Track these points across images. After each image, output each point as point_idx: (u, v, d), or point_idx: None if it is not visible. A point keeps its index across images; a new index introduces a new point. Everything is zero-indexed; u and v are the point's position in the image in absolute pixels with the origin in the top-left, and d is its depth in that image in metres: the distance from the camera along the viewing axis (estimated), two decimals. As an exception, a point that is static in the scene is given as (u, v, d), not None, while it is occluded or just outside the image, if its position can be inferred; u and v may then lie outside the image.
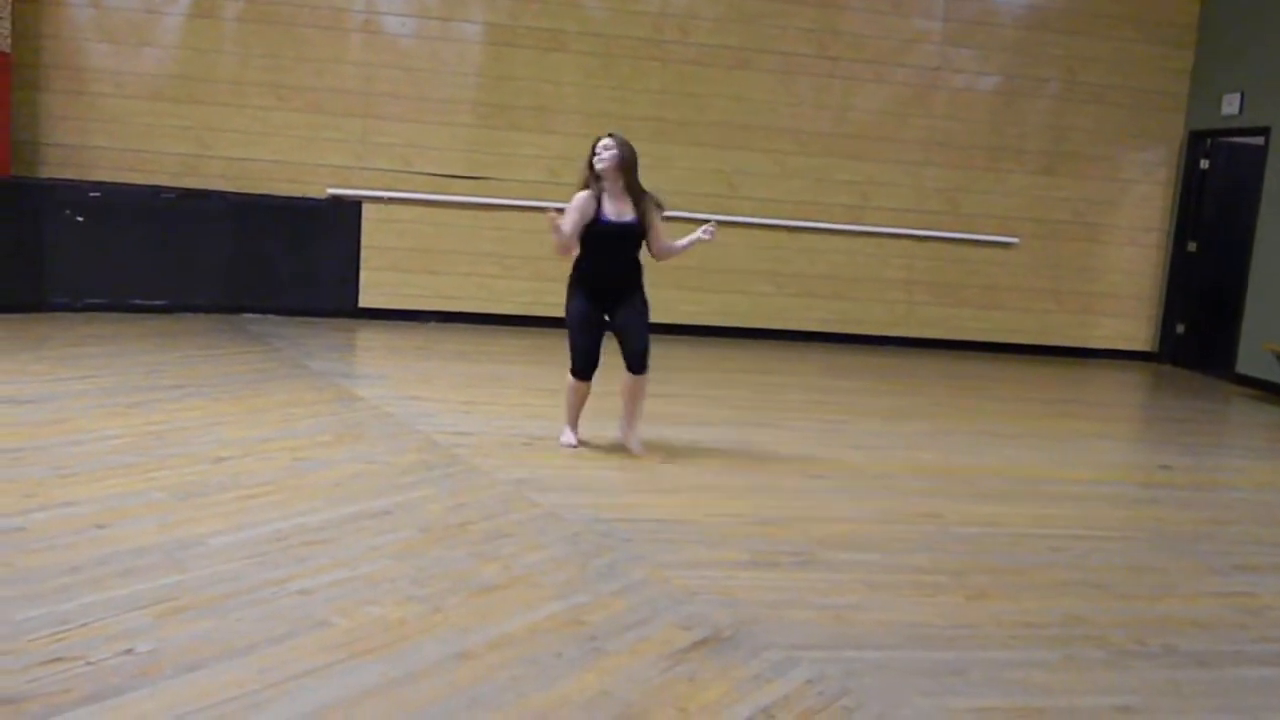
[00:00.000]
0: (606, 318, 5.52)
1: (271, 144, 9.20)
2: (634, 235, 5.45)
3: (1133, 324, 10.69)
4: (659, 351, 8.75)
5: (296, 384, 6.56)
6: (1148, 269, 10.60)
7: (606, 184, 5.36)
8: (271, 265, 9.18)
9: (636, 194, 5.45)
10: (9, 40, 8.42)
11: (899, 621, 3.54)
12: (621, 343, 5.52)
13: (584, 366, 5.49)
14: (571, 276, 5.54)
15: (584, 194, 5.35)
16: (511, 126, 9.46)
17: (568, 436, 5.65)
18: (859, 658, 3.22)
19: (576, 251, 5.45)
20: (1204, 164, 10.36)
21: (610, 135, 5.45)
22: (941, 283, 10.30)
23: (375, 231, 9.38)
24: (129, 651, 2.89)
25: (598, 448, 5.58)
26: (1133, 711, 3.03)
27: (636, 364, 5.49)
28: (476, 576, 3.64)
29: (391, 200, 9.36)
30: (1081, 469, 6.06)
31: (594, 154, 5.36)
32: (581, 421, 5.70)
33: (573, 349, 5.50)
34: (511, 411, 6.28)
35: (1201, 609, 3.91)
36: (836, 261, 10.09)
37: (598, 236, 5.36)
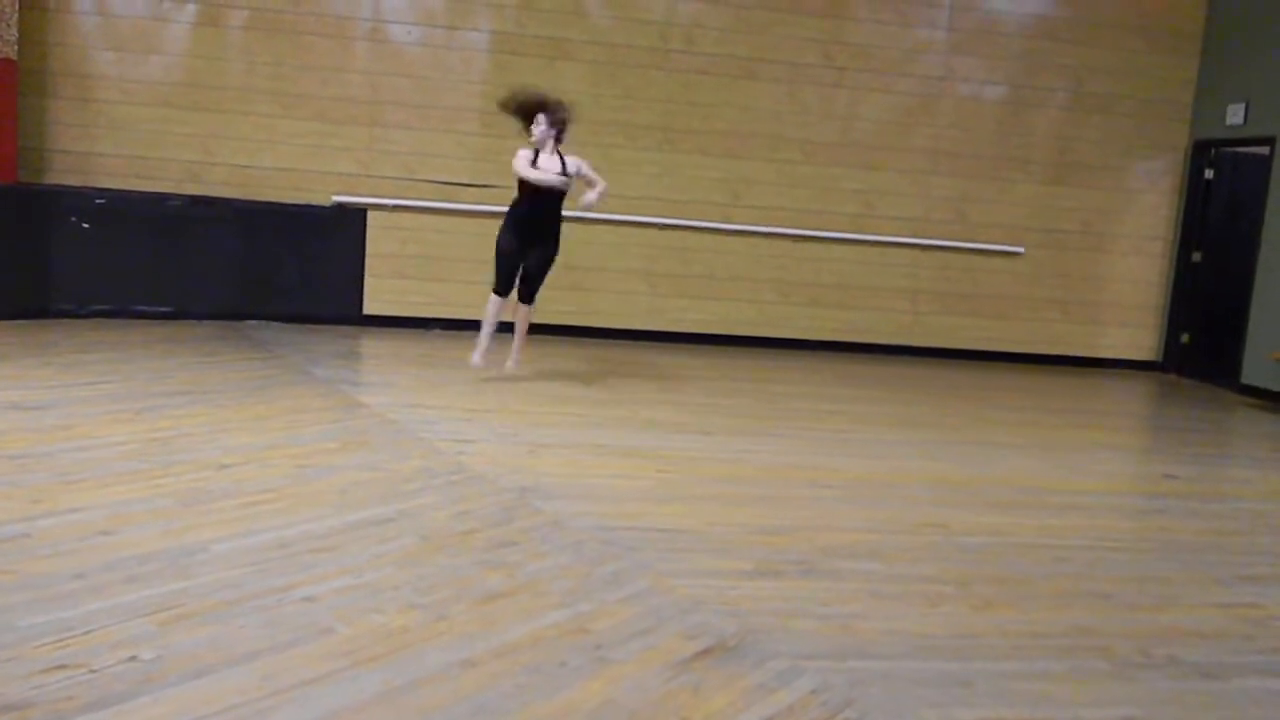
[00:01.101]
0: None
1: (277, 152, 9.23)
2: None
3: (1138, 334, 10.68)
4: (663, 359, 8.79)
5: (301, 391, 6.57)
6: (1153, 279, 10.60)
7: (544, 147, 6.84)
8: (276, 272, 9.20)
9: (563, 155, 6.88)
10: (15, 47, 8.45)
11: (904, 631, 3.53)
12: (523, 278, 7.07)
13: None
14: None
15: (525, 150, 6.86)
16: (517, 135, 9.43)
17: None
18: (864, 667, 3.21)
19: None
20: (1209, 174, 10.36)
21: (544, 108, 6.80)
22: (947, 292, 10.29)
23: (380, 239, 9.39)
24: (133, 659, 2.89)
25: (602, 456, 5.58)
26: (1138, 723, 3.03)
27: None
28: (480, 584, 3.63)
29: (397, 208, 9.38)
30: (1087, 479, 6.05)
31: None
32: (591, 427, 5.71)
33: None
34: (516, 419, 6.27)
35: (1206, 620, 3.90)
36: (842, 271, 10.09)
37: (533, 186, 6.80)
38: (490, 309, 7.11)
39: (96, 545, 3.69)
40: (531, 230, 6.91)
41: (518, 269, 7.02)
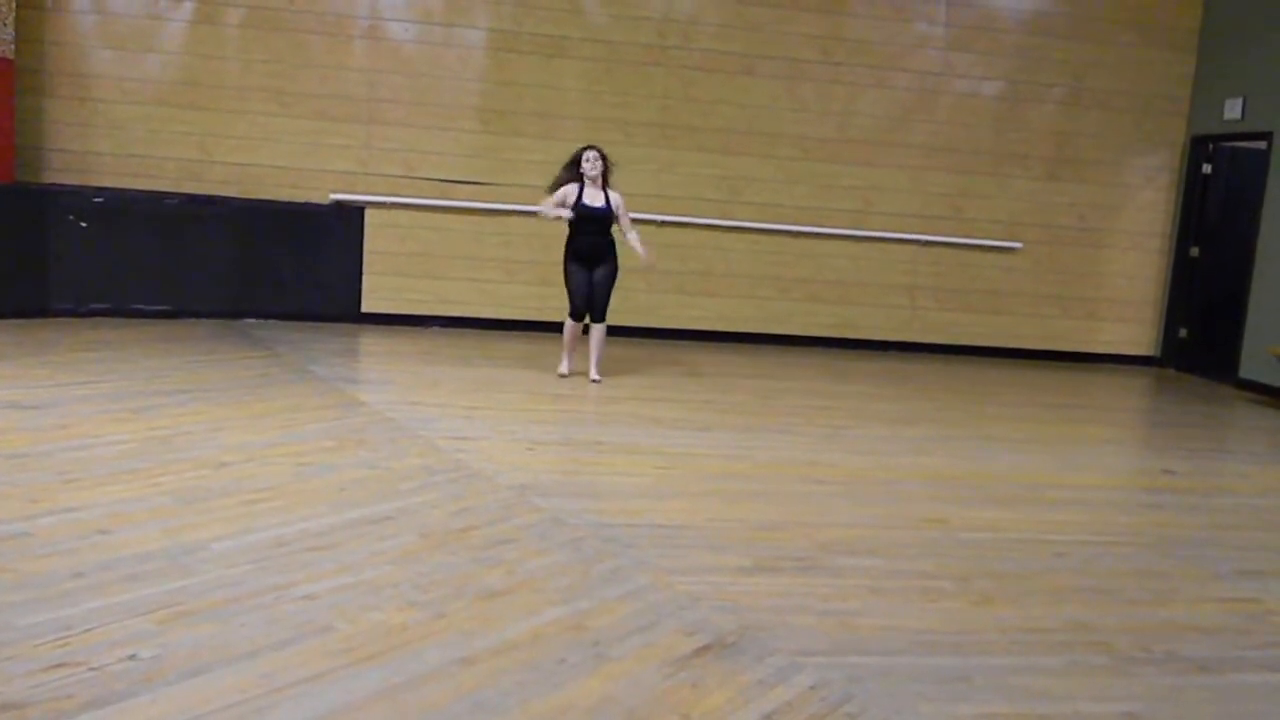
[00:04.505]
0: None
1: (275, 150, 9.22)
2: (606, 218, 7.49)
3: (1136, 329, 10.68)
4: (660, 356, 8.80)
5: (300, 389, 6.57)
6: (1151, 274, 10.60)
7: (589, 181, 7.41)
8: (275, 270, 9.20)
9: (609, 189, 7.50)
10: (13, 46, 8.44)
11: (902, 627, 3.54)
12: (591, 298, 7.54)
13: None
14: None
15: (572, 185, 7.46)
16: (514, 132, 9.47)
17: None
18: (862, 663, 3.22)
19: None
20: (1206, 169, 10.36)
21: (594, 147, 7.43)
22: (945, 288, 10.29)
23: (378, 237, 9.39)
24: (132, 657, 2.90)
25: (601, 453, 5.58)
26: (1136, 717, 3.03)
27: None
28: (479, 582, 3.64)
29: (394, 205, 9.38)
30: (1085, 474, 6.06)
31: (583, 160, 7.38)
32: (590, 424, 5.71)
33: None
34: (514, 416, 6.28)
35: (1205, 614, 3.90)
36: (840, 267, 10.09)
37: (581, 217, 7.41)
38: (566, 333, 7.65)
39: (95, 544, 3.70)
40: (588, 256, 7.44)
41: (589, 294, 7.48)
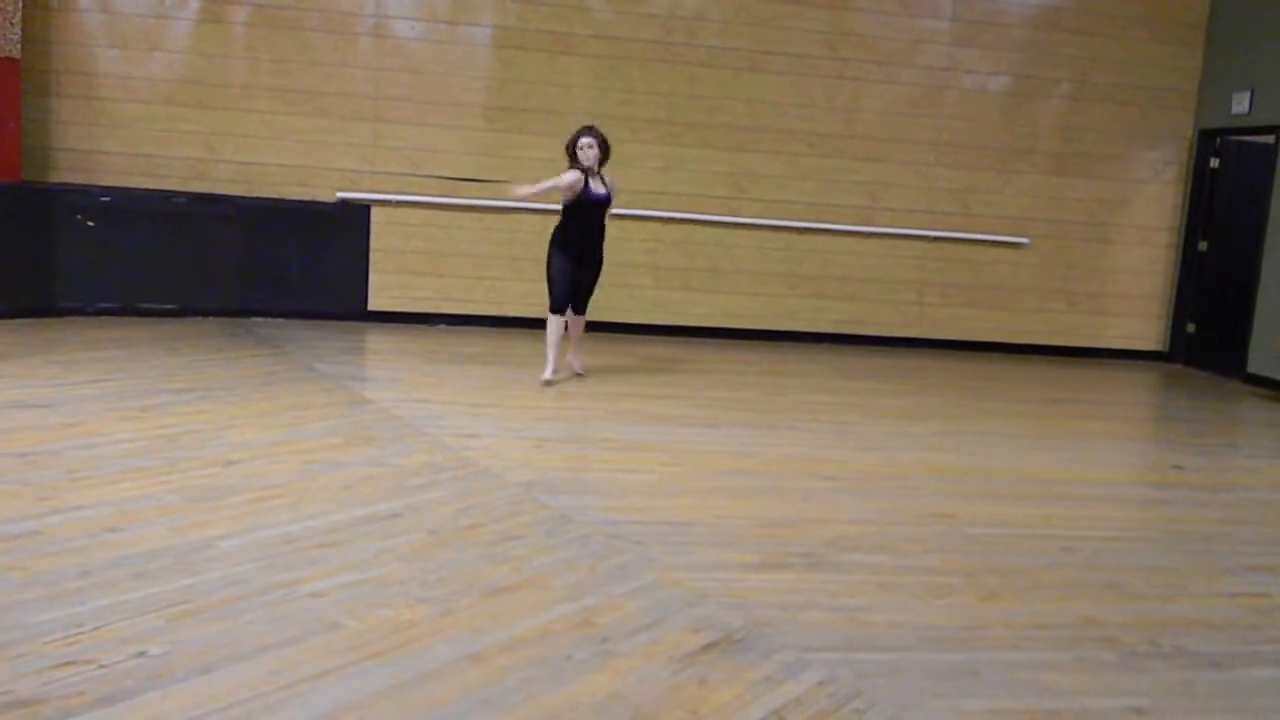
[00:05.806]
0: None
1: (281, 148, 9.23)
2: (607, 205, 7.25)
3: (1144, 324, 10.65)
4: (668, 353, 8.79)
5: (306, 387, 6.58)
6: (1159, 268, 10.57)
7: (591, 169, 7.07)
8: (281, 269, 9.21)
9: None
10: (19, 46, 8.46)
11: (910, 623, 3.54)
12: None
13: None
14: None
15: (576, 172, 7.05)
16: (520, 129, 9.47)
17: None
18: (871, 659, 3.22)
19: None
20: (1214, 163, 10.32)
21: (591, 132, 7.10)
22: (952, 283, 10.28)
23: (384, 235, 9.40)
24: (141, 654, 2.91)
25: (608, 450, 5.58)
26: (1145, 713, 3.02)
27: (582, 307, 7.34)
28: (487, 578, 3.64)
29: (400, 203, 9.39)
30: (1093, 469, 6.04)
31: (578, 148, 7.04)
32: (596, 421, 5.71)
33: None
34: (521, 414, 6.28)
35: (1214, 610, 3.89)
36: (847, 263, 10.08)
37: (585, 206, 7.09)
38: (551, 331, 7.22)
39: (104, 542, 3.71)
40: (584, 251, 7.19)
41: (574, 288, 7.21)
